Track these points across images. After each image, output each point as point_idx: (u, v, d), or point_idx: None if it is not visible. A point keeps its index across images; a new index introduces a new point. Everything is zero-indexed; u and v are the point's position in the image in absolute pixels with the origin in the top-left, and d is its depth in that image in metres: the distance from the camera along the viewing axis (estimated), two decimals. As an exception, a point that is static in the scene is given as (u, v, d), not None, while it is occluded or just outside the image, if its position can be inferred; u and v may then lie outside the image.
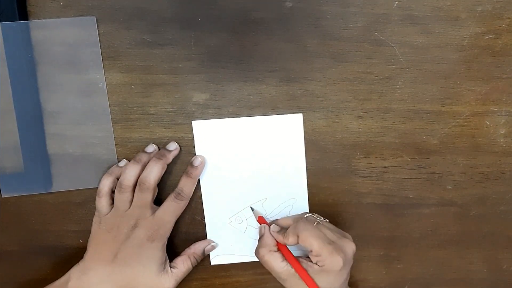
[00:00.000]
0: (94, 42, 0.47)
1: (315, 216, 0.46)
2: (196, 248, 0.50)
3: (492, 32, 0.47)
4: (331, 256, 0.42)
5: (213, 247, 0.51)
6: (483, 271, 0.53)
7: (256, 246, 0.47)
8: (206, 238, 0.51)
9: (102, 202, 0.47)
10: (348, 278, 0.46)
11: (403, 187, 0.51)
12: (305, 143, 0.49)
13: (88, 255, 0.47)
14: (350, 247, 0.44)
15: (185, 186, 0.48)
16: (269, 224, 0.48)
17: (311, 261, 0.44)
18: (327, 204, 0.51)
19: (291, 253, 0.45)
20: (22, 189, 0.49)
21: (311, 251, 0.43)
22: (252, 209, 0.50)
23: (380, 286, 0.53)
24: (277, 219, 0.49)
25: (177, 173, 0.49)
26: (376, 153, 0.50)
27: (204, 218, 0.51)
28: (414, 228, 0.52)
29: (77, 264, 0.47)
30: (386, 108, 0.49)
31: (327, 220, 0.47)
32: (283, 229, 0.46)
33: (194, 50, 0.47)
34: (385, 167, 0.50)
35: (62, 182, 0.49)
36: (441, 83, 0.48)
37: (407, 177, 0.50)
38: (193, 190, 0.48)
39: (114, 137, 0.49)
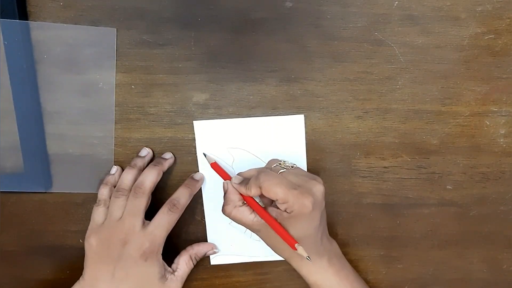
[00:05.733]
0: (94, 42, 0.47)
1: (282, 165, 0.45)
2: (199, 250, 0.50)
3: (492, 32, 0.47)
4: (298, 200, 0.41)
5: (215, 252, 0.51)
6: (483, 271, 0.53)
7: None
8: (206, 238, 0.51)
9: (100, 210, 0.46)
10: (325, 225, 0.46)
11: (403, 187, 0.51)
12: (305, 143, 0.49)
13: (87, 275, 0.46)
14: (317, 189, 0.43)
15: (182, 196, 0.47)
16: (231, 178, 0.46)
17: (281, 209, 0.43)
18: (327, 204, 0.50)
19: (258, 204, 0.44)
20: (22, 189, 0.49)
21: (277, 200, 0.42)
22: (205, 155, 0.48)
23: (380, 286, 0.53)
24: (242, 172, 0.47)
25: (176, 173, 0.49)
26: (376, 153, 0.50)
27: (204, 218, 0.51)
28: (414, 228, 0.52)
29: (77, 282, 0.46)
30: (386, 108, 0.49)
31: (295, 165, 0.45)
32: (246, 180, 0.45)
33: (194, 50, 0.47)
34: (385, 167, 0.50)
35: (62, 183, 0.49)
36: (441, 83, 0.48)
37: (407, 177, 0.51)
38: (187, 204, 0.47)
39: (114, 137, 0.49)
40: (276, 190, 0.42)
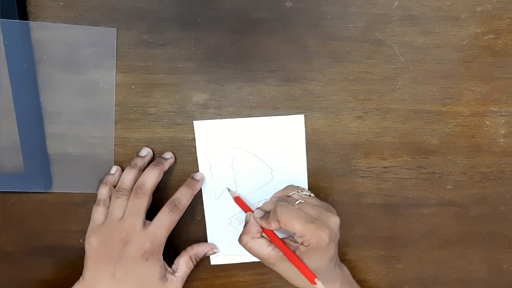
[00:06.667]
0: (94, 42, 0.47)
1: (299, 193, 0.46)
2: (199, 250, 0.50)
3: (492, 32, 0.47)
4: (315, 234, 0.42)
5: (215, 253, 0.51)
6: (483, 271, 0.53)
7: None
8: (206, 238, 0.51)
9: (99, 210, 0.46)
10: (337, 252, 0.46)
11: (403, 187, 0.51)
12: (305, 143, 0.49)
13: (87, 275, 0.46)
14: (333, 221, 0.43)
15: (183, 196, 0.47)
16: (253, 211, 0.47)
17: (298, 242, 0.44)
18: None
19: (278, 237, 0.45)
20: (22, 189, 0.49)
21: (294, 233, 0.43)
22: (229, 190, 0.49)
23: (380, 286, 0.53)
24: (262, 205, 0.48)
25: (176, 173, 0.49)
26: (376, 153, 0.50)
27: (204, 218, 0.51)
28: (414, 228, 0.52)
29: (77, 282, 0.46)
30: (386, 108, 0.49)
31: (312, 195, 0.46)
32: (267, 214, 0.45)
33: (194, 50, 0.47)
34: (385, 167, 0.50)
35: (62, 183, 0.49)
36: (441, 83, 0.48)
37: (407, 177, 0.51)
38: (188, 204, 0.47)
39: (114, 137, 0.49)
40: (293, 224, 0.42)
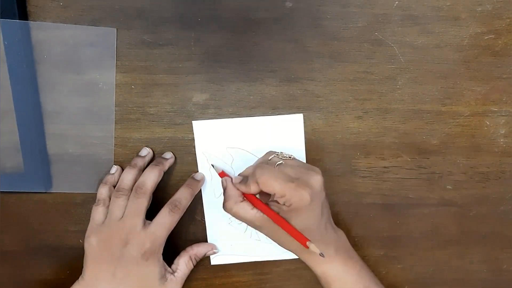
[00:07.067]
0: (94, 42, 0.47)
1: (279, 156, 0.45)
2: (199, 250, 0.50)
3: (492, 32, 0.47)
4: (296, 193, 0.41)
5: (215, 253, 0.51)
6: (483, 271, 0.53)
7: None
8: (206, 238, 0.51)
9: (99, 209, 0.46)
10: (329, 215, 0.45)
11: (403, 187, 0.51)
12: (305, 143, 0.49)
13: (87, 274, 0.45)
14: (315, 179, 0.42)
15: (184, 196, 0.47)
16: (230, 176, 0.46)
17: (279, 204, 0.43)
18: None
19: (259, 199, 0.44)
20: (22, 189, 0.49)
21: (274, 194, 0.42)
22: (213, 166, 0.49)
23: (380, 286, 0.53)
24: (242, 171, 0.47)
25: (176, 173, 0.49)
26: (376, 153, 0.50)
27: (204, 218, 0.51)
28: (414, 228, 0.52)
29: (77, 282, 0.46)
30: (386, 108, 0.49)
31: (292, 156, 0.45)
32: (245, 179, 0.45)
33: (194, 50, 0.47)
34: (385, 167, 0.50)
35: (62, 183, 0.49)
36: (441, 83, 0.48)
37: (407, 177, 0.51)
38: (188, 204, 0.47)
39: (114, 137, 0.49)
40: (272, 184, 0.42)
